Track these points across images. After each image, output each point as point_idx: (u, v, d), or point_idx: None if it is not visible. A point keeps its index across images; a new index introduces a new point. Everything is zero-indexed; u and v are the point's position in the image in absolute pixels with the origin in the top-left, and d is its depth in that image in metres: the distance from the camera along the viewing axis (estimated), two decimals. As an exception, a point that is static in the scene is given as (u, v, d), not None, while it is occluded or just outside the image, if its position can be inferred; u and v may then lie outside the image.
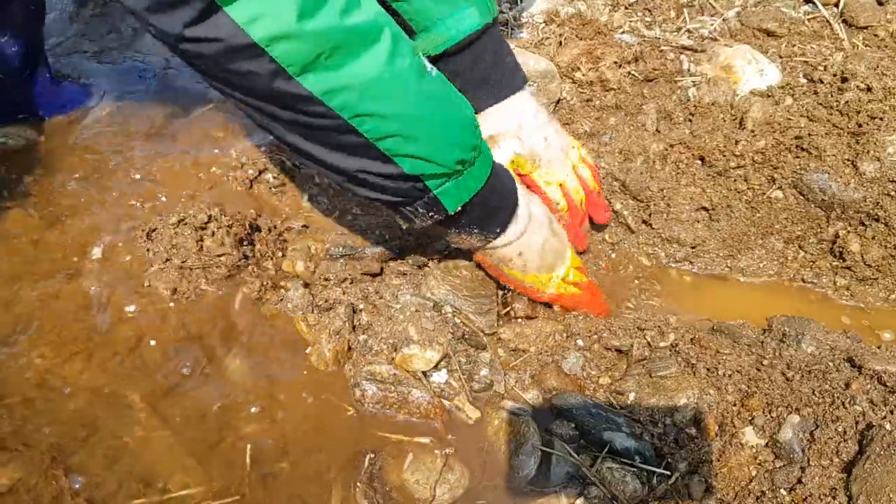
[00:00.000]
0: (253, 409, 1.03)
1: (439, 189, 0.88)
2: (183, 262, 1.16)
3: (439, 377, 1.06)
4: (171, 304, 1.14)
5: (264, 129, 0.82)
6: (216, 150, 1.46)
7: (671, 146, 1.42)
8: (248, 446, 0.98)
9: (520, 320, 1.20)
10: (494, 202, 0.98)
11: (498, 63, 1.12)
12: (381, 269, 1.22)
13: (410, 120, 0.79)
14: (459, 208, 0.92)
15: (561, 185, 1.20)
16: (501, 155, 1.14)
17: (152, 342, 1.09)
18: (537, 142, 1.16)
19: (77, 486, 0.90)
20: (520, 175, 1.17)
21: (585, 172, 1.25)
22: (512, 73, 1.15)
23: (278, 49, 0.66)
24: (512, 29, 1.70)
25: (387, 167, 0.82)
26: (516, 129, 1.15)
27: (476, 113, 1.13)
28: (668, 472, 0.96)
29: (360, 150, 0.80)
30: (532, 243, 1.06)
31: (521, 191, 1.05)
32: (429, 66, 0.83)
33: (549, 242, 1.09)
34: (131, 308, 1.13)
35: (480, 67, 1.10)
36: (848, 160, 1.30)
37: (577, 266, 1.19)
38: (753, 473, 0.94)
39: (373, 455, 0.98)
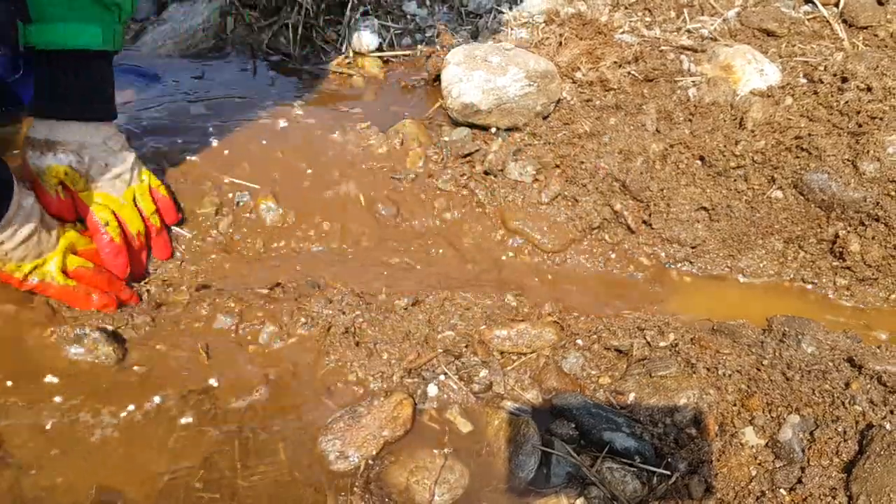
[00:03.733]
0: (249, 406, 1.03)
1: None
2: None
3: (432, 390, 1.07)
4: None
5: None
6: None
7: (671, 146, 1.42)
8: (237, 443, 0.98)
9: (519, 321, 1.20)
10: None
11: (98, 88, 1.15)
12: None
13: None
14: None
15: (115, 211, 1.18)
16: (55, 160, 1.13)
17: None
18: (97, 165, 1.15)
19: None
20: (68, 189, 1.15)
21: (148, 207, 1.23)
22: (107, 102, 1.17)
23: None
24: (512, 29, 1.71)
25: None
26: (78, 147, 1.14)
27: (47, 118, 1.13)
28: (668, 472, 0.96)
29: None
30: (17, 235, 1.04)
31: (17, 187, 1.03)
32: None
33: (37, 234, 1.06)
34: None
35: (81, 82, 1.12)
36: (848, 160, 1.30)
37: (83, 250, 1.13)
38: (753, 473, 0.94)
39: (372, 457, 0.97)
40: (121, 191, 1.19)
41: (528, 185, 1.44)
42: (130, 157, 1.21)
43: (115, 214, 1.17)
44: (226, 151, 1.45)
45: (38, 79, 1.13)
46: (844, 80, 1.37)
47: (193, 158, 1.42)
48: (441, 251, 1.38)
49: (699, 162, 1.41)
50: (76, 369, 1.04)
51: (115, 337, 1.08)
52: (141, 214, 1.21)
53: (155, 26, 1.87)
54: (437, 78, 1.62)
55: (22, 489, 0.89)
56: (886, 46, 1.50)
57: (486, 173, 1.47)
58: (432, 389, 1.07)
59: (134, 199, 1.21)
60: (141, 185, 1.22)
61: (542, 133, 1.50)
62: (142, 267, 1.23)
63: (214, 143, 1.46)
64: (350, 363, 1.10)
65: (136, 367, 1.06)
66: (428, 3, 1.95)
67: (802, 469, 0.91)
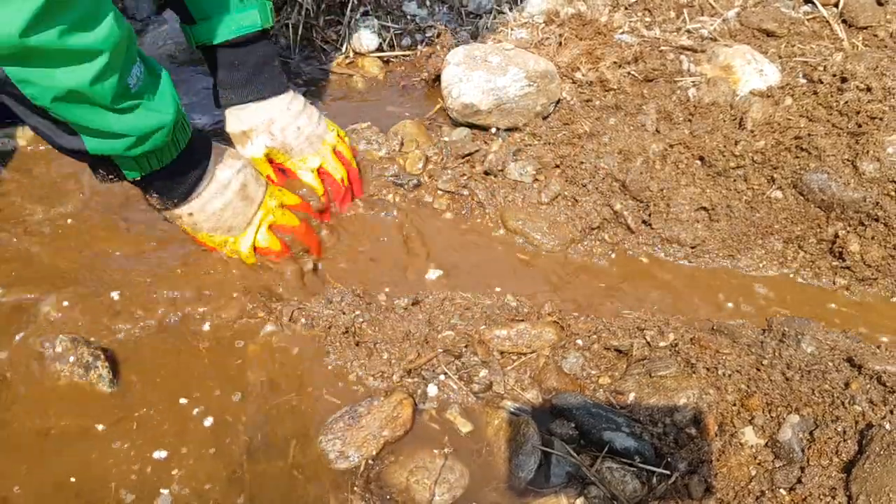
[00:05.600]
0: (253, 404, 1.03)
1: (121, 161, 0.96)
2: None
3: (432, 390, 1.07)
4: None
5: None
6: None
7: (671, 146, 1.42)
8: (244, 440, 0.98)
9: (519, 321, 1.20)
10: (176, 182, 1.06)
11: (265, 66, 1.23)
12: None
13: (94, 127, 0.87)
14: (139, 178, 1.00)
15: (317, 169, 1.32)
16: (254, 149, 1.27)
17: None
18: (289, 133, 1.27)
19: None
20: (274, 163, 1.30)
21: (348, 153, 1.37)
22: (277, 77, 1.25)
23: None
24: (512, 29, 1.71)
25: (73, 141, 0.90)
26: (267, 125, 1.26)
27: (235, 105, 1.25)
28: (668, 472, 0.96)
29: (52, 120, 0.87)
30: (207, 208, 1.11)
31: (214, 158, 1.10)
32: (133, 81, 0.88)
33: (231, 207, 1.13)
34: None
35: (249, 65, 1.21)
36: (847, 160, 1.30)
37: (292, 205, 1.23)
38: (753, 473, 0.94)
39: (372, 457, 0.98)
40: (317, 146, 1.30)
41: (528, 185, 1.44)
42: (315, 113, 1.30)
43: (321, 173, 1.32)
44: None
45: (218, 74, 1.21)
46: (844, 80, 1.37)
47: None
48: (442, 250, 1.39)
49: (699, 162, 1.41)
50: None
51: None
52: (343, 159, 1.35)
53: (155, 26, 1.87)
54: (437, 78, 1.62)
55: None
56: (886, 46, 1.50)
57: (486, 173, 1.47)
58: (432, 389, 1.07)
59: (333, 149, 1.34)
60: (335, 135, 1.35)
61: (541, 133, 1.50)
62: (345, 207, 1.38)
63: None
64: (350, 363, 1.10)
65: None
66: (428, 3, 1.96)
67: (802, 469, 0.91)
